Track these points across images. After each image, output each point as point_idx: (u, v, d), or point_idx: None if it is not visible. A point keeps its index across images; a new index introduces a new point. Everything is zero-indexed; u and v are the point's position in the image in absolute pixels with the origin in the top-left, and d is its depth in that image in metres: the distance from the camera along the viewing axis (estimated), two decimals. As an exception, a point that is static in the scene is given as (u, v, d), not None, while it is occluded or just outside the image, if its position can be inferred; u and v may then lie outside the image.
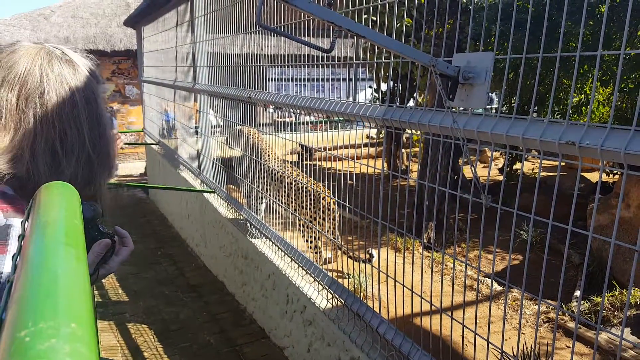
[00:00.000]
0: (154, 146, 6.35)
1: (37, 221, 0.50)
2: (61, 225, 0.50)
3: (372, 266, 2.01)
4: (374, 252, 3.19)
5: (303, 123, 3.24)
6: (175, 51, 4.80)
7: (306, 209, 3.18)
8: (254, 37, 2.99)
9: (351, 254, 3.08)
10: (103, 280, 3.98)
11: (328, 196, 3.18)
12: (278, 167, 3.29)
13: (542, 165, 8.49)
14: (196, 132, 4.33)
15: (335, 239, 3.37)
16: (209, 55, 3.81)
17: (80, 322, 0.32)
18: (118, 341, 3.07)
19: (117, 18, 10.23)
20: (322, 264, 2.99)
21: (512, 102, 5.60)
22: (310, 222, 3.15)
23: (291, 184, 3.15)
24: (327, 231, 3.28)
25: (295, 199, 3.15)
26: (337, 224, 3.37)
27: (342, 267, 3.22)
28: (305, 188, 3.08)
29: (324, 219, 3.24)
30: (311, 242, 3.21)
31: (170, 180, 5.42)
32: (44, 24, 9.85)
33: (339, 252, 3.35)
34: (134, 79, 10.07)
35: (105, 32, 10.00)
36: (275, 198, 3.25)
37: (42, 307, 0.31)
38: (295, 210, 3.16)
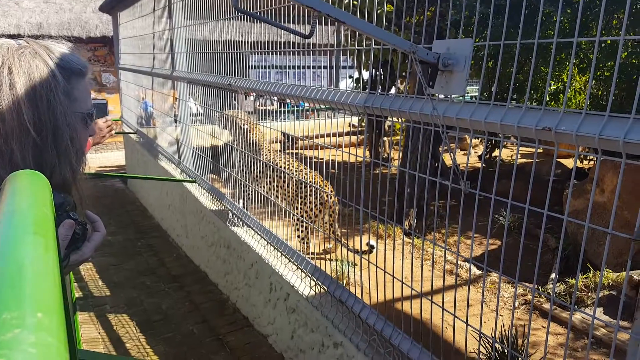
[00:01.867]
0: (132, 135, 6.24)
1: (4, 210, 0.48)
2: (29, 214, 0.48)
3: (354, 253, 2.02)
4: (373, 242, 3.22)
5: (285, 111, 3.22)
6: (152, 37, 4.69)
7: (304, 200, 3.16)
8: (234, 23, 2.95)
9: (350, 246, 3.11)
10: (82, 272, 3.92)
11: (330, 191, 3.19)
12: (274, 157, 3.25)
13: (521, 152, 8.64)
14: (175, 121, 4.27)
15: (335, 231, 3.39)
16: (188, 42, 3.74)
17: (48, 312, 0.31)
18: (99, 333, 3.04)
19: (93, 3, 9.93)
20: (308, 253, 3.00)
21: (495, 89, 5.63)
22: (308, 214, 3.15)
23: (285, 174, 3.12)
24: (326, 224, 3.29)
25: (293, 191, 3.13)
26: (336, 217, 3.38)
27: (326, 255, 3.24)
28: (306, 180, 3.07)
29: (321, 211, 3.25)
30: (302, 231, 3.22)
31: (149, 170, 5.34)
32: (15, 10, 9.52)
33: (337, 244, 3.37)
34: (111, 67, 9.84)
35: (80, 18, 9.72)
36: (270, 189, 3.23)
37: (6, 298, 0.30)
38: (292, 202, 3.15)
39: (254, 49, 2.60)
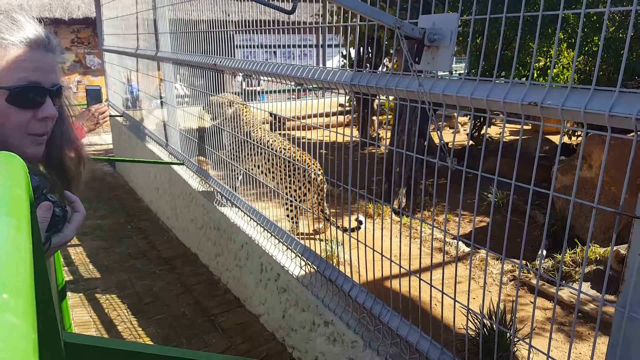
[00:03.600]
0: (118, 118, 6.15)
1: (-28, 191, 0.47)
2: (1, 195, 0.47)
3: (343, 232, 2.03)
4: (362, 218, 3.23)
5: (272, 92, 3.18)
6: (136, 18, 4.58)
7: (292, 180, 3.16)
8: (218, 1, 2.88)
9: (339, 224, 3.12)
10: (73, 256, 3.90)
11: (317, 169, 3.18)
12: (268, 138, 3.22)
13: (511, 129, 8.66)
14: (161, 103, 4.20)
15: (323, 209, 3.39)
16: (172, 22, 3.66)
17: (15, 293, 0.30)
18: (91, 316, 3.04)
19: (73, -17, 9.65)
20: (297, 233, 3.00)
21: (484, 66, 5.64)
22: (297, 193, 3.15)
23: (273, 153, 3.10)
24: (315, 203, 3.29)
25: (281, 171, 3.11)
26: (324, 195, 3.38)
27: (319, 235, 3.25)
28: (293, 159, 3.05)
29: (309, 190, 3.25)
30: (291, 210, 3.22)
31: (137, 153, 5.28)
32: (-7, -10, 9.22)
33: (327, 223, 3.38)
34: (95, 48, 9.63)
35: (61, -1, 9.46)
36: (258, 169, 3.21)
37: (-32, 278, 0.29)
38: (280, 181, 3.14)
39: (239, 28, 2.55)
